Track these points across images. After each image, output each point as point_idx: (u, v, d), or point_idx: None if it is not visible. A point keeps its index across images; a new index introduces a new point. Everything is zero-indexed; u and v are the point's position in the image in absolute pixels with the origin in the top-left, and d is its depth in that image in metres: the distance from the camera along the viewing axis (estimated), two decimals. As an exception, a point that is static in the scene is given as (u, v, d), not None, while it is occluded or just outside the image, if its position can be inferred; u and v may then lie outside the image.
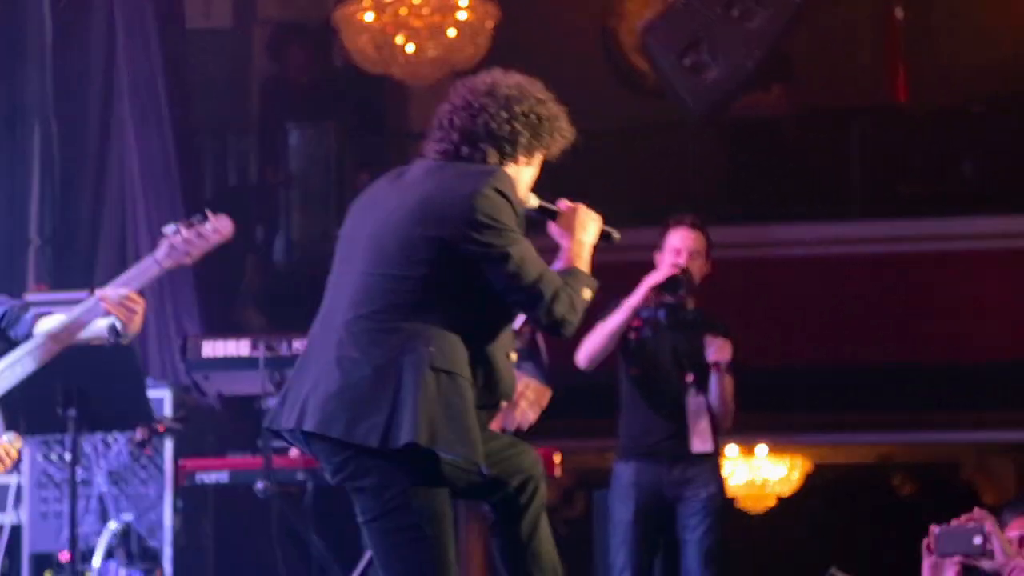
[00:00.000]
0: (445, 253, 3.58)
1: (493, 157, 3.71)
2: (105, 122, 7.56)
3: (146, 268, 4.41)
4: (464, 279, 3.60)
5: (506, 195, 3.63)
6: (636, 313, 5.83)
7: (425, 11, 8.95)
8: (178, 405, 6.23)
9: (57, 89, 7.57)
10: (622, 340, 5.88)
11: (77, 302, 6.07)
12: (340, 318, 3.62)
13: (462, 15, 9.02)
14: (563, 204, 3.84)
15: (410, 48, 9.01)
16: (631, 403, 5.96)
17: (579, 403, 6.28)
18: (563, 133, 3.77)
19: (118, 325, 4.32)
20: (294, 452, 5.53)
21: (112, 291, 4.31)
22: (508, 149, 3.72)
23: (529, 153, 3.75)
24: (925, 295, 9.36)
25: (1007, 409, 9.90)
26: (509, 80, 3.76)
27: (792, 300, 9.70)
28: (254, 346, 5.51)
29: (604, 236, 3.89)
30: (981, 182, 10.36)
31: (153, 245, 7.18)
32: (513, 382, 3.76)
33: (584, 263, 3.80)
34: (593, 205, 3.88)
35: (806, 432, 11.06)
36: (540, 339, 5.71)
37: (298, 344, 5.42)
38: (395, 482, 3.53)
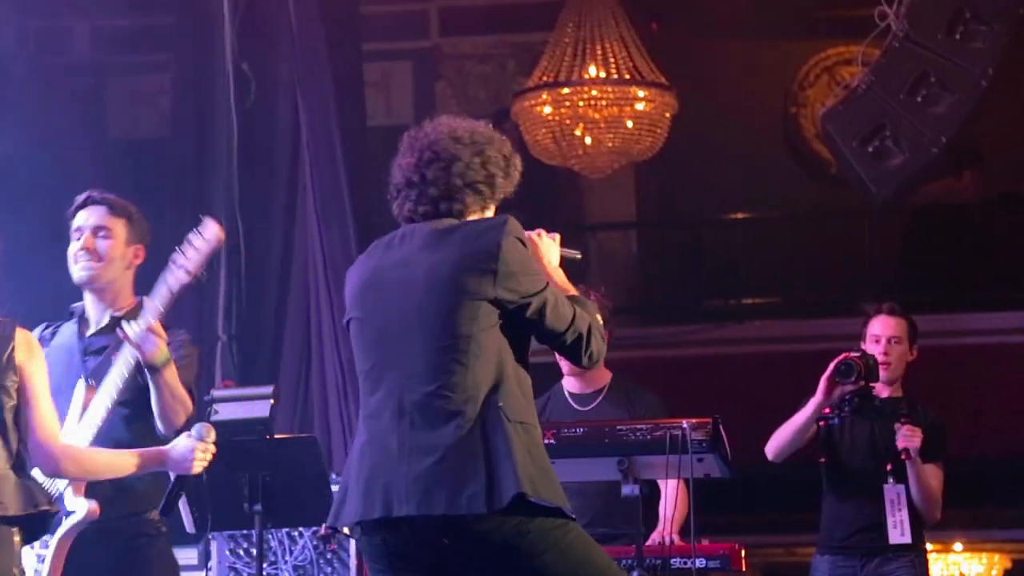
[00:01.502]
0: (489, 311, 3.59)
1: (475, 205, 3.71)
2: (289, 221, 7.70)
3: (161, 297, 4.60)
4: (511, 331, 3.62)
5: (523, 240, 3.65)
6: (822, 406, 5.73)
7: (603, 103, 9.00)
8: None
9: (243, 189, 7.73)
10: (815, 430, 5.80)
11: (261, 397, 6.19)
12: (406, 400, 3.60)
13: (640, 106, 9.05)
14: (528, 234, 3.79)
15: (588, 140, 9.06)
16: (826, 493, 5.87)
17: (763, 498, 6.18)
18: (519, 167, 3.80)
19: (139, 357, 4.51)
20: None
21: (131, 327, 4.50)
22: (487, 193, 3.72)
23: (502, 192, 3.76)
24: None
25: None
26: (462, 124, 3.77)
27: (983, 390, 9.45)
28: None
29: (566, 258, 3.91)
30: None
31: (335, 340, 7.34)
32: None
33: (567, 287, 3.81)
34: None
35: (1005, 527, 10.72)
36: (722, 431, 5.63)
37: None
38: (526, 528, 3.50)
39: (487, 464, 3.48)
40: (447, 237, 3.67)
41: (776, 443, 5.77)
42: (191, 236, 4.62)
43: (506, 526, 3.49)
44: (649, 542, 5.45)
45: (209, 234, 4.63)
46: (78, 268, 4.79)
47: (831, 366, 5.73)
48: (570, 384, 5.86)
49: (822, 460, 5.85)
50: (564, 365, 5.74)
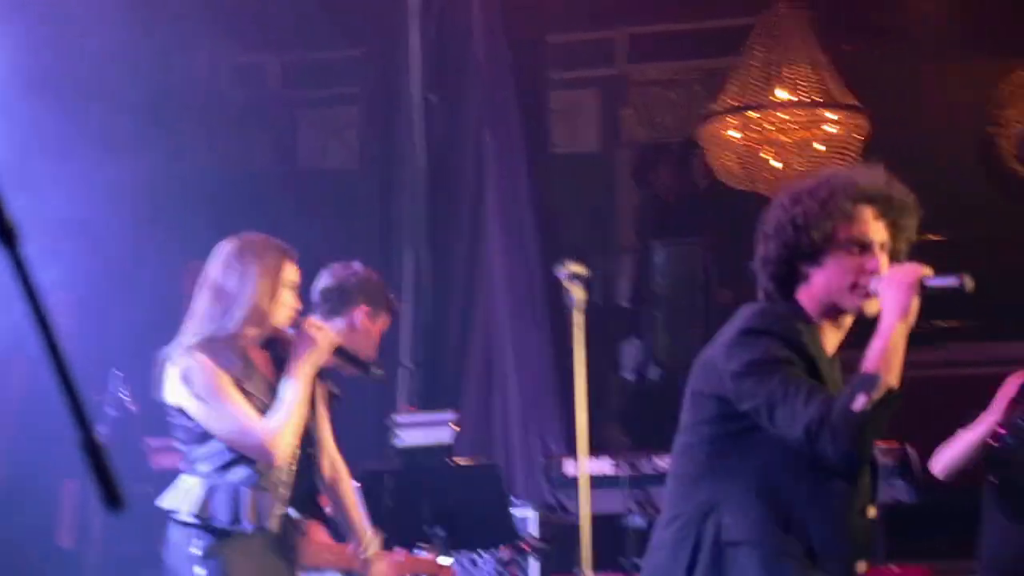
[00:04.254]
0: None
1: None
2: (473, 250, 7.75)
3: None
4: None
5: None
6: (997, 424, 5.56)
7: (792, 127, 8.86)
8: (543, 524, 6.25)
9: (429, 217, 7.80)
10: (986, 449, 5.61)
11: (443, 422, 6.23)
12: None
13: (831, 128, 8.90)
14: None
15: (776, 164, 8.93)
16: (991, 515, 5.65)
17: (953, 519, 6.00)
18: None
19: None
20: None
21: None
22: None
23: None
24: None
25: None
26: None
27: None
28: (616, 464, 5.47)
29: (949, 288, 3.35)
30: None
31: (517, 364, 7.36)
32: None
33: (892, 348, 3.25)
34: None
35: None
36: (911, 451, 5.50)
37: (660, 462, 5.35)
38: None
39: None
40: None
41: (944, 459, 5.60)
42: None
43: None
44: None
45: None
46: None
47: (1012, 382, 5.56)
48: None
49: (991, 479, 5.65)
50: None
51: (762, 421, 3.21)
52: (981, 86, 11.39)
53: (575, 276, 4.50)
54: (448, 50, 7.95)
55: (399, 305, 5.00)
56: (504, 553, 5.86)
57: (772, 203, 3.49)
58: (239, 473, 4.34)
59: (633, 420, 8.74)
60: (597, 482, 5.89)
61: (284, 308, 4.44)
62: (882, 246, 3.38)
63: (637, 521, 5.30)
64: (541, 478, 6.45)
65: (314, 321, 4.58)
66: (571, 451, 6.80)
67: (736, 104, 8.97)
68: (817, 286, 3.36)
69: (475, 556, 6.15)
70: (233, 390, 4.31)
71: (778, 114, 8.82)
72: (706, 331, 9.65)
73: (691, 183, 10.09)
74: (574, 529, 6.47)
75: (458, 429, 6.46)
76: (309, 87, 10.22)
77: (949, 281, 3.32)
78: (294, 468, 4.43)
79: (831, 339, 3.40)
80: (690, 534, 3.28)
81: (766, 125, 8.90)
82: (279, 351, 4.47)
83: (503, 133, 7.82)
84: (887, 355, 3.20)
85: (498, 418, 7.38)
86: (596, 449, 7.00)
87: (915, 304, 3.27)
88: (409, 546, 5.08)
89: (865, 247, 3.34)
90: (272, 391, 4.38)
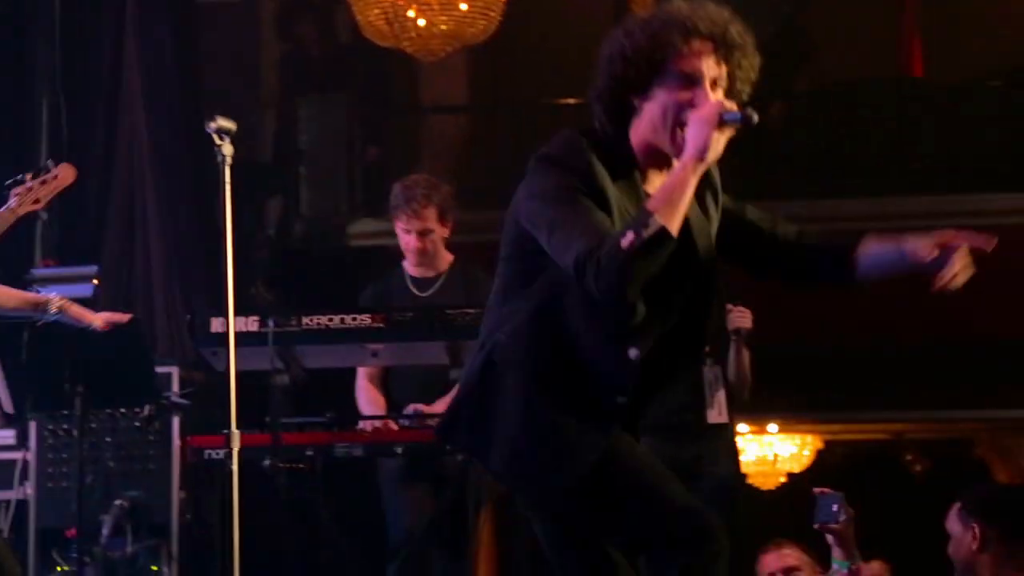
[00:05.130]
0: None
1: None
2: (113, 96, 7.52)
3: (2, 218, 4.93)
4: None
5: None
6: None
7: (437, -15, 8.86)
8: (185, 381, 6.20)
9: (65, 63, 7.53)
10: None
11: (84, 277, 6.08)
12: None
13: (474, -11, 8.94)
14: None
15: (421, 22, 8.94)
16: None
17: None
18: None
19: None
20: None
21: None
22: None
23: None
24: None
25: (1021, 386, 9.85)
26: None
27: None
28: (263, 322, 5.45)
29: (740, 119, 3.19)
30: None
31: (161, 219, 7.23)
32: None
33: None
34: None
35: (817, 410, 11.01)
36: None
37: (307, 320, 5.36)
38: None
39: None
40: None
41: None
42: (44, 172, 5.01)
43: None
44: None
45: (66, 175, 5.04)
46: None
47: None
48: (411, 268, 5.81)
49: None
50: (407, 249, 5.70)
51: (544, 246, 3.16)
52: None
53: (223, 131, 4.40)
54: None
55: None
56: (146, 410, 5.79)
57: (606, 39, 3.30)
58: None
59: (278, 277, 8.72)
60: (242, 339, 5.86)
61: None
62: (714, 83, 3.23)
63: (283, 379, 5.30)
64: (185, 335, 6.38)
65: None
66: (217, 308, 6.74)
67: (382, -40, 8.91)
68: (645, 120, 3.23)
69: (116, 414, 6.06)
70: None
71: (425, -28, 8.79)
72: (350, 188, 9.69)
73: (335, 37, 10.02)
74: (217, 387, 6.46)
75: (97, 283, 6.33)
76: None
77: (737, 116, 3.15)
78: None
79: (657, 183, 3.26)
80: (479, 352, 3.30)
81: (411, -18, 8.87)
82: None
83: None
84: (670, 194, 3.10)
85: (140, 273, 7.24)
86: (241, 307, 6.97)
87: (717, 142, 3.13)
88: (50, 407, 4.99)
89: (694, 82, 3.20)
90: None
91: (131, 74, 7.48)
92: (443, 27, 8.93)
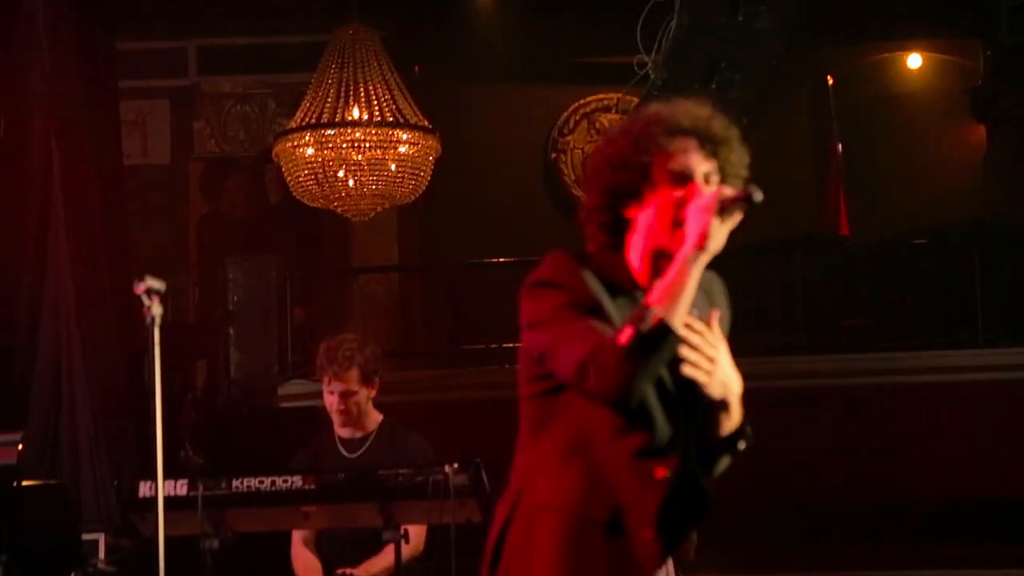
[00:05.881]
0: None
1: None
2: (40, 263, 7.44)
3: None
4: None
5: None
6: None
7: (367, 146, 8.93)
8: (112, 548, 6.07)
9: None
10: None
11: (7, 443, 5.94)
12: None
13: (403, 149, 9.02)
14: None
15: (351, 183, 8.98)
16: None
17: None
18: None
19: None
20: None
21: None
22: None
23: None
24: (875, 430, 9.26)
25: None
26: None
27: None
28: (192, 486, 5.34)
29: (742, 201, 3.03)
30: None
31: (87, 385, 7.12)
32: None
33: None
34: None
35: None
36: (484, 476, 5.62)
37: (237, 483, 5.26)
38: None
39: None
40: None
41: None
42: None
43: None
44: None
45: None
46: None
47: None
48: (339, 429, 5.74)
49: None
50: (331, 409, 5.64)
51: (553, 370, 3.06)
52: (547, 112, 11.84)
53: (153, 291, 4.34)
54: (15, 53, 7.61)
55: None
56: (73, 579, 5.64)
57: (590, 153, 3.30)
58: None
59: (207, 439, 8.59)
60: (171, 504, 5.74)
61: None
62: (707, 178, 3.12)
63: (213, 544, 5.18)
64: (112, 500, 6.25)
65: None
66: (144, 472, 6.62)
67: (311, 121, 8.98)
68: (641, 232, 3.12)
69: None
70: None
71: (355, 133, 8.87)
72: (280, 348, 9.62)
73: (263, 198, 10.04)
74: (146, 553, 6.31)
75: (22, 449, 6.21)
76: None
77: (739, 198, 3.00)
78: None
79: None
80: (512, 492, 3.18)
81: (341, 143, 8.94)
82: None
83: (72, 143, 7.55)
84: (670, 286, 2.96)
85: (66, 438, 7.11)
86: (170, 470, 6.85)
87: (718, 230, 2.99)
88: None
89: (686, 179, 3.10)
90: None
91: (59, 237, 7.42)
92: (373, 187, 8.99)
